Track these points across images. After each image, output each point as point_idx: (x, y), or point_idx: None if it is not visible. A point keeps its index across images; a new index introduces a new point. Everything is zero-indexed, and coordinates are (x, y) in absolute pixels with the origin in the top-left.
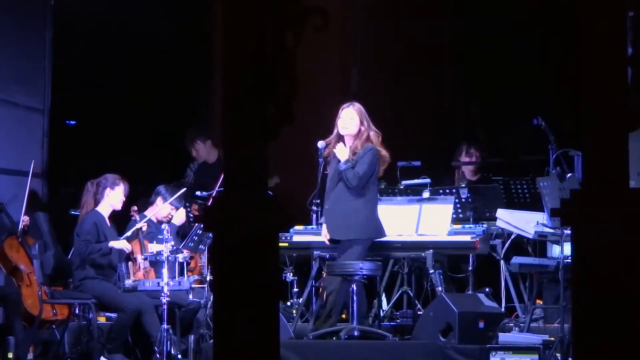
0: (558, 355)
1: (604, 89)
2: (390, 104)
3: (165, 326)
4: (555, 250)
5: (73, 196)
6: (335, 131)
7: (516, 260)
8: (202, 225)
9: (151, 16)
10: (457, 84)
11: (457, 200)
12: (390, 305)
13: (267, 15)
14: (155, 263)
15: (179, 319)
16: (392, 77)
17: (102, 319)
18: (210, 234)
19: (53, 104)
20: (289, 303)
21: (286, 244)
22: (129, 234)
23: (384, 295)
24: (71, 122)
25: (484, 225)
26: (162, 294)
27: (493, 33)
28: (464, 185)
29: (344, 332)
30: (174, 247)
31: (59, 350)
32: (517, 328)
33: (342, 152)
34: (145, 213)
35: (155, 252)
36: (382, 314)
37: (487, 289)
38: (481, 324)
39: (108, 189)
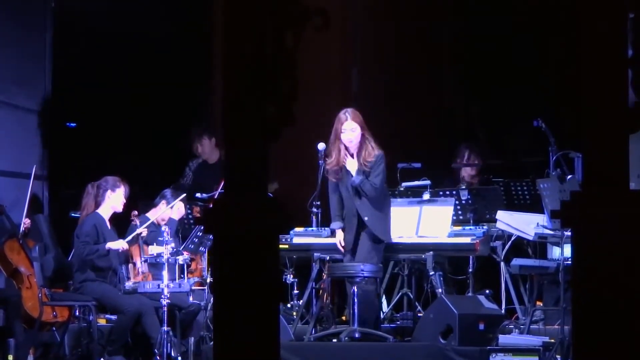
0: (558, 357)
1: (604, 89)
2: (391, 105)
3: (165, 328)
4: (555, 252)
5: (73, 198)
6: (335, 142)
7: (516, 262)
8: (202, 228)
9: (151, 16)
10: (457, 84)
11: (457, 202)
12: (390, 307)
13: (267, 16)
14: (155, 265)
15: (179, 321)
16: (392, 77)
17: (102, 321)
18: (211, 236)
19: (53, 106)
20: (289, 305)
21: (286, 246)
22: (129, 239)
23: (384, 297)
24: (71, 124)
25: (484, 227)
26: (162, 296)
27: (493, 33)
28: (464, 187)
29: (345, 334)
30: (174, 249)
31: (59, 352)
32: (517, 330)
33: (352, 166)
34: (148, 215)
35: (155, 254)
36: (382, 315)
37: (487, 291)
38: (481, 326)
39: (109, 191)
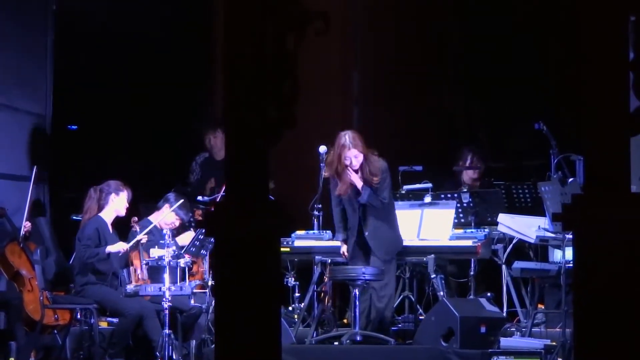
0: (560, 359)
1: (605, 90)
2: (391, 105)
3: (166, 331)
4: (556, 255)
5: (75, 201)
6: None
7: (518, 264)
8: (203, 231)
9: (151, 16)
10: (457, 84)
11: (458, 205)
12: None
13: (268, 17)
14: (157, 268)
15: (181, 324)
16: (392, 77)
17: (103, 324)
18: (212, 239)
19: (54, 109)
20: (290, 308)
21: (288, 249)
22: (129, 245)
23: None
24: (72, 126)
25: (486, 230)
26: (164, 299)
27: (493, 33)
28: (465, 190)
29: (346, 337)
30: (176, 252)
31: (60, 355)
32: (518, 333)
33: (358, 181)
34: (150, 218)
35: (156, 257)
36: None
37: (488, 294)
38: (483, 329)
39: (113, 194)
